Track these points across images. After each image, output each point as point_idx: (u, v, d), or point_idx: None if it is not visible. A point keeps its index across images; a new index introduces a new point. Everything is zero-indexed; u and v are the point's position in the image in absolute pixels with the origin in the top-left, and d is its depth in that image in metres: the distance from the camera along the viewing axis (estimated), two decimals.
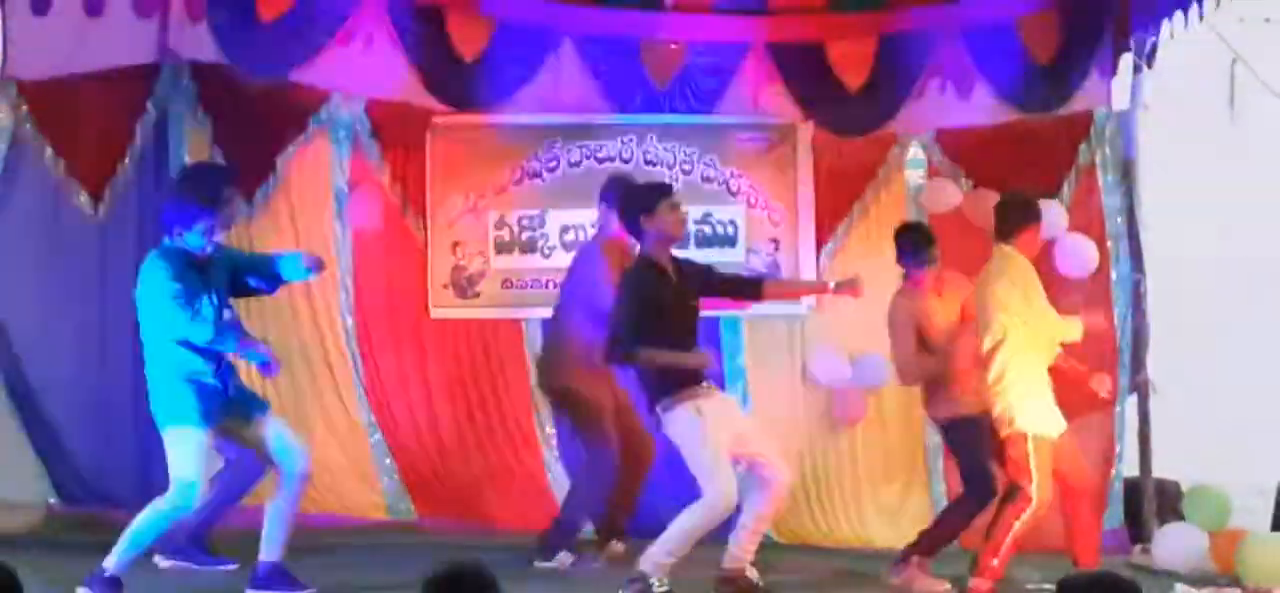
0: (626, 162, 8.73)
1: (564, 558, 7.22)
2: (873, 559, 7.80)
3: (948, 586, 6.89)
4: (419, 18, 8.55)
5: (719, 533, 6.42)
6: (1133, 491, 8.45)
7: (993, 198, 7.62)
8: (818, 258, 8.89)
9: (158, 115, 8.20)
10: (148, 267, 6.08)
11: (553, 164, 8.80)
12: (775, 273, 8.76)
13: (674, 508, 6.37)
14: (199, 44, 8.22)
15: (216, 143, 8.25)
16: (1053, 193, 8.50)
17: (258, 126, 8.33)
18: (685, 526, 6.20)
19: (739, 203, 8.90)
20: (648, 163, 8.79)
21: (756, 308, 8.19)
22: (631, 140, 8.84)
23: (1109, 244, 8.56)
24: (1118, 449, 8.44)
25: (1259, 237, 9.98)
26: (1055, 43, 8.67)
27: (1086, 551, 6.84)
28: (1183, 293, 9.09)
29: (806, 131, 8.94)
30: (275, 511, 6.17)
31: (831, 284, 7.18)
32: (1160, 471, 8.44)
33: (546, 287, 8.45)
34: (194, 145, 8.19)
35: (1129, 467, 8.46)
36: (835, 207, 8.95)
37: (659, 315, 6.27)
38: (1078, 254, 8.40)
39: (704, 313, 6.71)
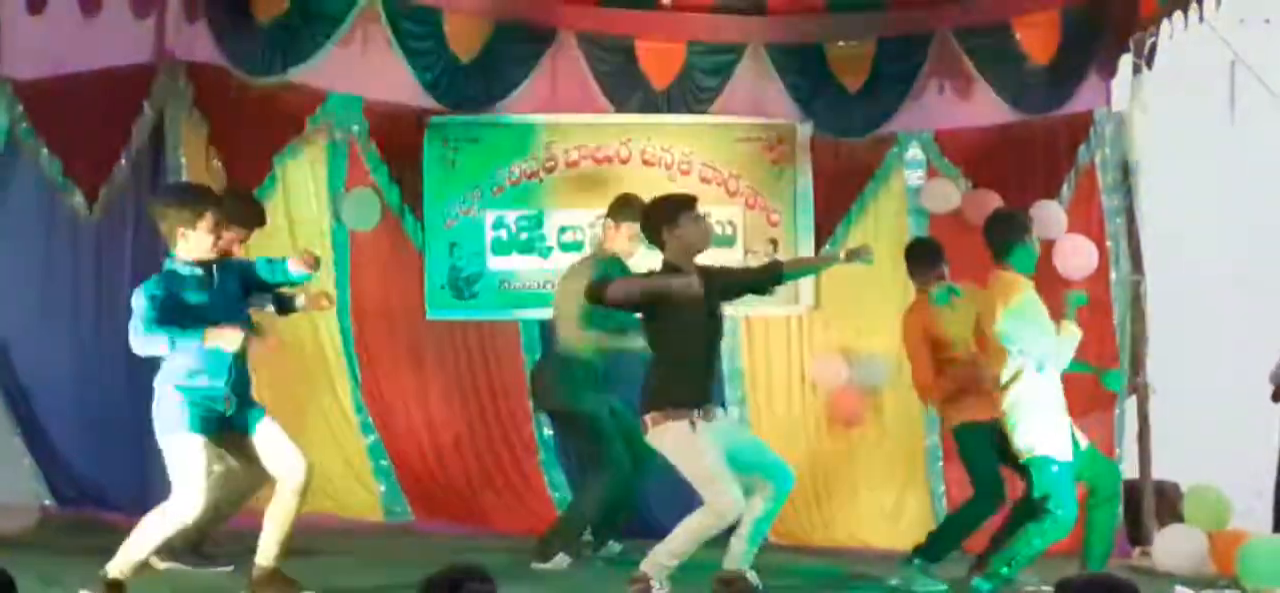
0: (625, 161, 8.70)
1: (561, 560, 7.19)
2: (872, 561, 7.78)
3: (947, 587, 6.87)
4: (416, 18, 8.54)
5: (719, 534, 6.37)
6: (1132, 492, 8.42)
7: (992, 198, 7.64)
8: None
9: (154, 116, 8.14)
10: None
11: (551, 164, 8.78)
12: None
13: (674, 509, 6.31)
14: (196, 44, 8.18)
15: (213, 144, 8.22)
16: (1052, 194, 8.51)
17: (255, 127, 8.31)
18: (689, 529, 6.15)
19: (738, 203, 8.89)
20: (646, 163, 8.78)
21: (756, 308, 8.17)
22: (630, 140, 8.82)
23: (1109, 244, 8.55)
24: (1117, 451, 8.42)
25: (1259, 237, 9.98)
26: (1055, 43, 8.66)
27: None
28: (1183, 293, 9.07)
29: (805, 132, 8.94)
30: (273, 518, 6.14)
31: (842, 253, 7.05)
32: (1160, 472, 8.42)
33: (544, 288, 8.43)
34: (190, 146, 8.14)
35: (1128, 468, 8.43)
36: (834, 207, 8.95)
37: (681, 328, 6.16)
38: (1078, 254, 8.39)
39: None
